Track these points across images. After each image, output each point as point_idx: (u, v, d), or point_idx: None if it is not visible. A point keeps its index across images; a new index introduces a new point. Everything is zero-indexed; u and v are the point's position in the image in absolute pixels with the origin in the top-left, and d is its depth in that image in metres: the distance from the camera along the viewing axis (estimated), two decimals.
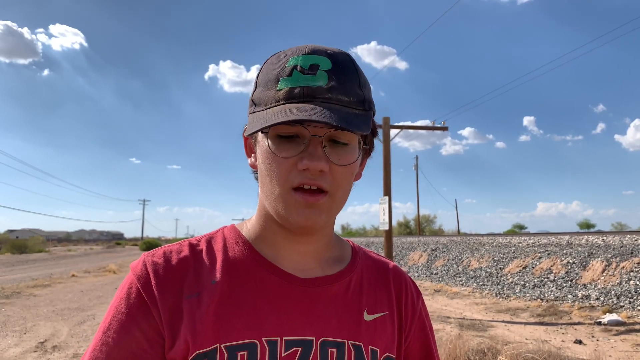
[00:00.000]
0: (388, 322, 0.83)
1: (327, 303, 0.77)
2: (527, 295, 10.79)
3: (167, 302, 0.72)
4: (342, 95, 0.71)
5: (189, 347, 0.70)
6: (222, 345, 0.70)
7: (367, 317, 0.80)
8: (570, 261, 11.31)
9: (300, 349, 0.72)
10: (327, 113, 0.67)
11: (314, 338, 0.74)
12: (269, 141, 0.72)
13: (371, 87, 0.80)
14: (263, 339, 0.71)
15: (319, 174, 0.70)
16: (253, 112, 0.75)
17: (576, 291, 9.97)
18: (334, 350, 0.75)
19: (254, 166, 0.80)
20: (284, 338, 0.72)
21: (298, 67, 0.71)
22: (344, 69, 0.73)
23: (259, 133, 0.74)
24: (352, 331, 0.77)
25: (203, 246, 0.80)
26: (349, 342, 0.76)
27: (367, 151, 0.81)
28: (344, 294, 0.80)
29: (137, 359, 0.70)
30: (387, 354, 0.81)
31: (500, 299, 10.99)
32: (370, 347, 0.78)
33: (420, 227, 41.40)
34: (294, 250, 0.79)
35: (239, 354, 0.70)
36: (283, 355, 0.71)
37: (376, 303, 0.83)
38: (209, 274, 0.75)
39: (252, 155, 0.81)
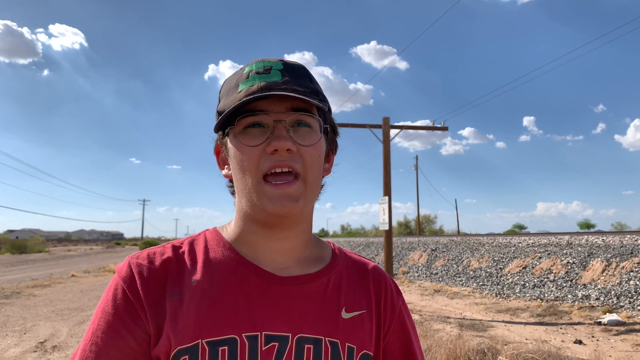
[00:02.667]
0: (366, 320, 0.84)
1: (305, 301, 0.80)
2: (527, 295, 10.78)
3: (152, 301, 0.75)
4: (296, 87, 0.78)
5: (171, 344, 0.72)
6: (203, 341, 0.72)
7: (345, 315, 0.82)
8: (570, 261, 11.31)
9: (277, 344, 0.75)
10: (284, 92, 0.75)
11: (290, 334, 0.76)
12: (237, 136, 0.78)
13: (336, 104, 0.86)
14: (243, 335, 0.74)
15: (287, 155, 0.75)
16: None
17: (576, 291, 9.96)
18: (311, 346, 0.77)
19: (228, 176, 0.86)
20: (264, 333, 0.75)
21: (253, 71, 0.80)
22: (295, 68, 0.82)
23: (229, 138, 0.80)
24: (330, 328, 0.79)
25: (185, 248, 0.83)
26: (326, 338, 0.78)
27: (332, 146, 0.88)
28: (322, 293, 0.82)
29: (125, 357, 0.73)
30: (364, 351, 0.82)
31: (500, 299, 10.98)
32: (347, 343, 0.80)
33: (420, 227, 41.44)
34: (272, 248, 0.82)
35: (220, 349, 0.72)
36: (263, 349, 0.74)
37: (355, 301, 0.85)
38: (190, 274, 0.79)
39: (226, 166, 0.86)
